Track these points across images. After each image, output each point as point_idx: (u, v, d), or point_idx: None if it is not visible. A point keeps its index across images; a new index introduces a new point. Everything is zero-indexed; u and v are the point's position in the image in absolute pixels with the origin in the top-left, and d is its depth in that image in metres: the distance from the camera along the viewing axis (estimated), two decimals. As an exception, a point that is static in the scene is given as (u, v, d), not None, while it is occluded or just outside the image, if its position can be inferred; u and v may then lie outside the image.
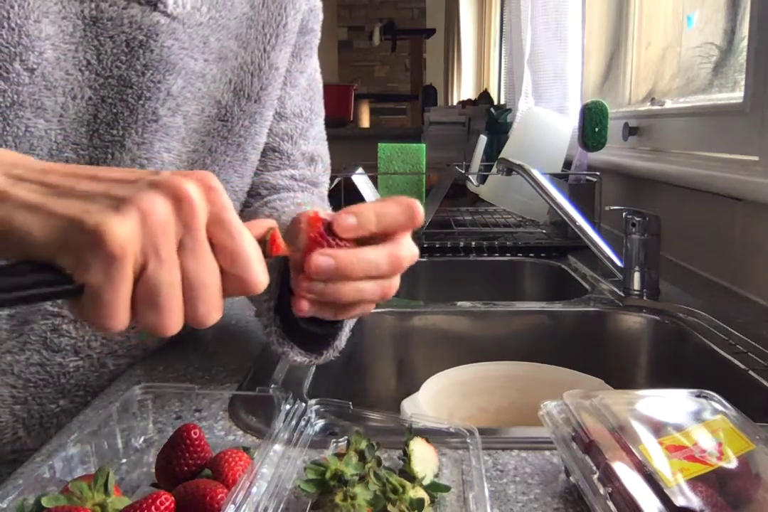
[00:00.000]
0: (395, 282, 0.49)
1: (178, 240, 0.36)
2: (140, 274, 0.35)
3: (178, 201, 0.36)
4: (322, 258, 0.44)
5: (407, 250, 0.48)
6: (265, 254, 0.42)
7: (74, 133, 0.61)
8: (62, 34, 0.58)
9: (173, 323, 0.37)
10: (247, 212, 0.79)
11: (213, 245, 0.38)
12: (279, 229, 0.43)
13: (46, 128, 0.60)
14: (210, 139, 0.70)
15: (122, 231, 0.34)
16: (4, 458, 0.68)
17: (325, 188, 0.87)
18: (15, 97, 0.57)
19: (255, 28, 0.71)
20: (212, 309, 0.38)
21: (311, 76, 0.84)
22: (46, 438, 0.69)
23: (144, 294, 0.36)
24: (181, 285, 0.37)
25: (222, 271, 0.38)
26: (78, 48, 0.60)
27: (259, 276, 0.39)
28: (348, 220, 0.45)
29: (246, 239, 0.39)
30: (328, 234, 0.45)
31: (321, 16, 0.82)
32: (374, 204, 0.47)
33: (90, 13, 0.59)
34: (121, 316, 0.35)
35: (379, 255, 0.46)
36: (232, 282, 0.39)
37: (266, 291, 0.63)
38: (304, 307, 0.47)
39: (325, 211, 0.70)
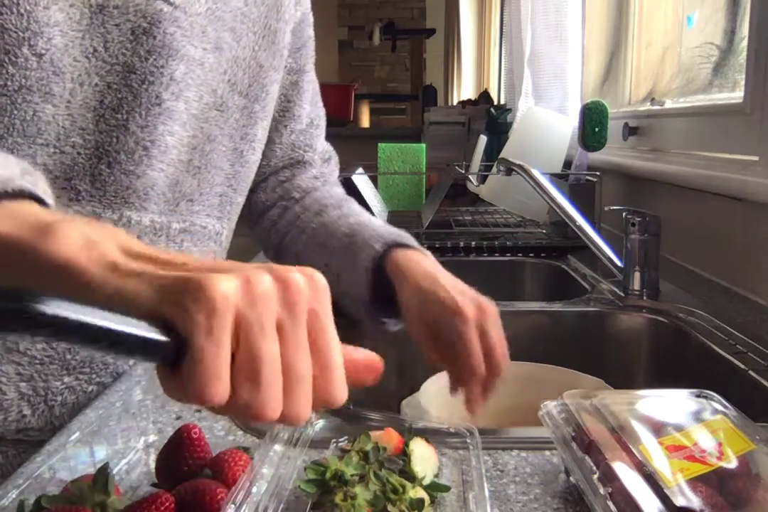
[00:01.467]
0: None
1: (278, 320, 0.35)
2: (240, 344, 0.34)
3: (284, 284, 0.35)
4: None
5: None
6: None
7: (81, 119, 0.63)
8: (70, 21, 0.60)
9: (271, 404, 0.34)
10: (288, 212, 0.88)
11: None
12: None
13: (53, 113, 0.61)
14: (208, 127, 0.72)
15: (225, 284, 0.33)
16: (10, 437, 0.68)
17: (335, 176, 0.98)
18: (23, 81, 0.58)
19: (247, 25, 0.74)
20: (305, 407, 0.35)
21: (313, 80, 0.89)
22: (50, 416, 0.69)
23: (244, 365, 0.33)
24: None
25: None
26: (85, 35, 0.61)
27: (343, 393, 0.37)
28: None
29: (338, 346, 0.37)
30: None
31: (312, 19, 0.87)
32: None
33: (96, 1, 0.61)
34: (221, 383, 0.33)
35: None
36: (315, 387, 0.36)
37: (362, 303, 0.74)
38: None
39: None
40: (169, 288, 0.33)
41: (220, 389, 0.33)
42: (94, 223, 0.38)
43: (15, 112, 0.59)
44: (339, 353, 0.37)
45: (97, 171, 0.64)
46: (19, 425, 0.68)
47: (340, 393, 0.37)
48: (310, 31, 0.87)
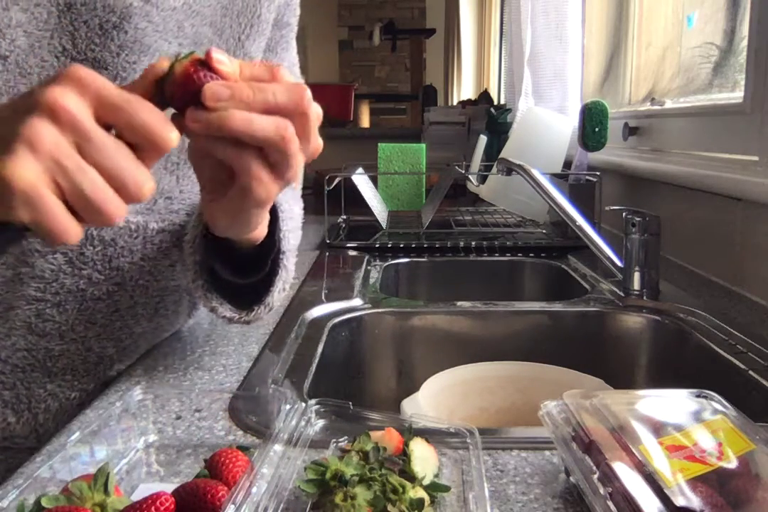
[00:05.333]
0: (307, 133, 0.45)
1: (75, 145, 0.39)
2: (61, 190, 0.39)
3: (56, 115, 0.38)
4: (217, 86, 0.43)
5: (309, 93, 0.46)
6: (168, 98, 0.43)
7: None
8: (35, 21, 0.59)
9: (114, 209, 0.40)
10: None
11: (109, 125, 0.40)
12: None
13: None
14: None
15: (21, 170, 0.37)
16: None
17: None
18: None
19: (230, 17, 0.71)
20: (141, 183, 0.40)
21: (289, 70, 0.83)
22: (34, 423, 0.69)
23: (76, 202, 0.39)
24: (101, 176, 0.39)
25: (131, 145, 0.41)
26: (53, 35, 0.60)
27: (165, 134, 0.41)
28: (221, 56, 0.44)
29: (134, 108, 0.40)
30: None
31: (298, 11, 0.82)
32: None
33: (64, 0, 0.60)
34: (70, 229, 0.39)
35: (276, 86, 0.45)
36: (145, 150, 0.41)
37: (191, 245, 0.66)
38: (195, 125, 0.44)
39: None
40: None
41: (71, 233, 0.39)
42: None
43: None
44: (137, 108, 0.40)
45: None
46: (4, 433, 0.68)
47: (163, 138, 0.40)
48: (291, 20, 0.81)
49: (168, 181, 0.69)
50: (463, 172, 1.62)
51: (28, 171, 0.37)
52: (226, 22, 0.71)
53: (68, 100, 0.39)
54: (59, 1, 0.60)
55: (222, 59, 0.44)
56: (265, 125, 0.44)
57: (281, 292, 0.68)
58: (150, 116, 0.40)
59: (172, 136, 0.41)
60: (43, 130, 0.38)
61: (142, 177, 0.40)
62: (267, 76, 0.45)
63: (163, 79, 0.43)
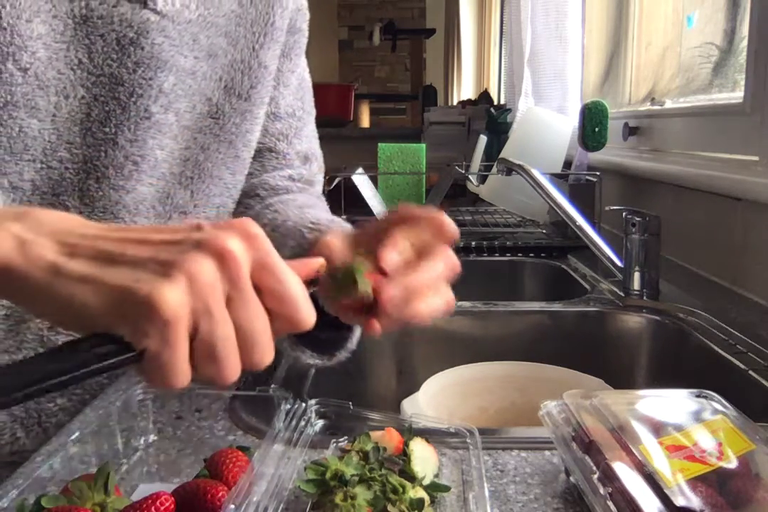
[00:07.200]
0: (450, 291, 0.49)
1: (225, 294, 0.37)
2: (195, 333, 0.36)
3: (222, 259, 0.37)
4: (394, 291, 0.45)
5: (453, 256, 0.48)
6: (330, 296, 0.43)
7: (67, 132, 0.62)
8: (53, 33, 0.59)
9: (232, 372, 0.37)
10: (248, 214, 0.78)
11: (260, 289, 0.38)
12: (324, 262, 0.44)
13: (39, 128, 0.60)
14: (202, 137, 0.70)
15: (173, 297, 0.35)
16: (3, 460, 0.68)
17: (320, 186, 0.87)
18: (8, 97, 0.57)
19: (244, 26, 0.71)
20: (266, 353, 0.39)
21: (301, 75, 0.84)
22: (44, 438, 0.68)
23: (201, 351, 0.37)
24: (235, 335, 0.37)
25: (270, 312, 0.39)
26: (69, 47, 0.60)
27: (308, 315, 0.40)
28: (393, 257, 0.46)
29: (291, 281, 0.39)
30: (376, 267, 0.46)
31: (308, 16, 0.82)
32: (404, 231, 0.48)
33: (80, 12, 0.59)
34: (182, 374, 0.36)
35: (438, 266, 0.47)
36: (281, 322, 0.39)
37: None
38: (378, 330, 0.50)
39: (332, 218, 0.73)
40: (116, 301, 0.35)
41: (180, 378, 0.36)
42: (27, 211, 0.38)
43: (1, 129, 0.58)
44: (293, 283, 0.39)
45: (85, 186, 0.63)
46: (13, 447, 0.68)
47: (303, 318, 0.40)
48: (302, 25, 0.81)
49: (182, 195, 0.70)
50: (463, 172, 1.62)
51: (178, 300, 0.35)
52: (240, 32, 0.70)
53: (238, 250, 0.37)
54: (75, 13, 0.59)
55: (393, 262, 0.46)
56: (437, 305, 0.48)
57: (358, 336, 0.69)
58: (301, 294, 0.39)
59: (311, 320, 0.40)
60: (206, 266, 0.36)
61: (268, 350, 0.39)
62: (434, 240, 0.48)
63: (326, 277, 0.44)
